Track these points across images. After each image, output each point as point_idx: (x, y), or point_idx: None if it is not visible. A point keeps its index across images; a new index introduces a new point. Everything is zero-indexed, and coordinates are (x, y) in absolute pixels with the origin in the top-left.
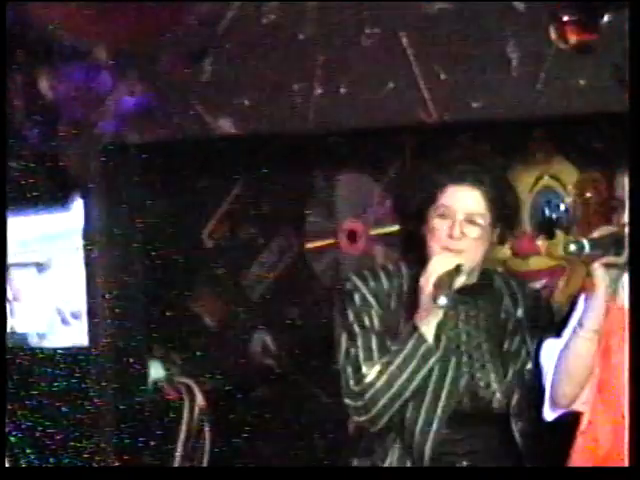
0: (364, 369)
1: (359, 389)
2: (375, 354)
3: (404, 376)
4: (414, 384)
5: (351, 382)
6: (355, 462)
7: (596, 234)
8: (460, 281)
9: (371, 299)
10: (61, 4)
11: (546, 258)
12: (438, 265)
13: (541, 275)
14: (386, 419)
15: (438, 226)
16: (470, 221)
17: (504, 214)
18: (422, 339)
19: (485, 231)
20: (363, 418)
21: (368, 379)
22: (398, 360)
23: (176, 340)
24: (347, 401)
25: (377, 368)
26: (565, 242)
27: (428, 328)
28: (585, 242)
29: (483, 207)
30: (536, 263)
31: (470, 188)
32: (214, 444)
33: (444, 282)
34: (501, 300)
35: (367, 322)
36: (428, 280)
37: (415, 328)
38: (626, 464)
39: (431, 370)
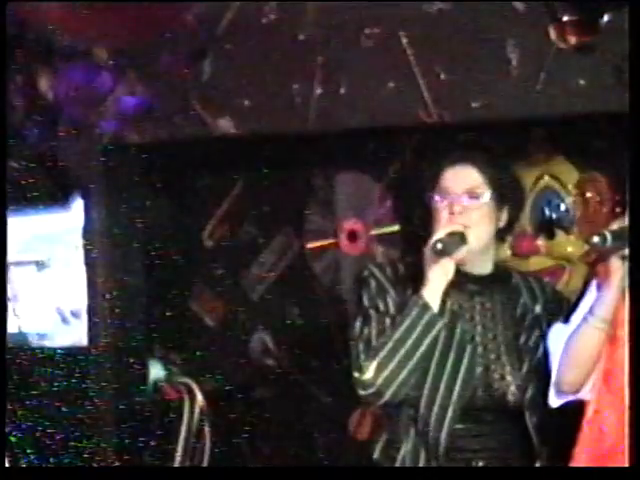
0: (374, 343)
1: (368, 363)
2: (387, 331)
3: (408, 344)
4: (419, 353)
5: (362, 356)
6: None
7: (616, 226)
8: (464, 251)
9: (387, 285)
10: (61, 4)
11: (546, 258)
12: (442, 230)
13: (541, 275)
14: (392, 392)
15: (440, 207)
16: (470, 195)
17: (507, 193)
18: (426, 307)
19: (488, 206)
20: (370, 391)
21: (375, 350)
22: (402, 328)
23: (176, 340)
24: (355, 375)
25: (383, 339)
26: (590, 235)
27: (432, 296)
28: (608, 234)
29: (481, 182)
30: (536, 263)
31: (466, 167)
32: (214, 444)
33: (446, 243)
34: (519, 296)
35: (382, 306)
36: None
37: (419, 297)
38: (626, 464)
39: (447, 355)
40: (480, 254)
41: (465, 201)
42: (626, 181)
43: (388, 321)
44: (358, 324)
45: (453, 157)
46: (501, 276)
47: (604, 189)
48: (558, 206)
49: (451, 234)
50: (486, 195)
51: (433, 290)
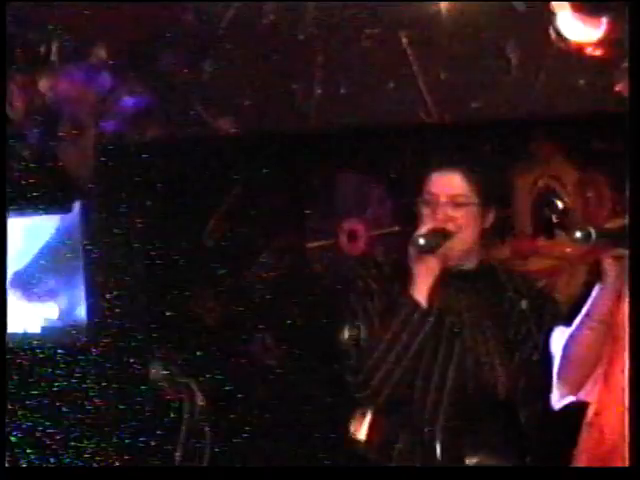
0: (365, 345)
1: (360, 365)
2: (378, 332)
3: (400, 343)
4: (411, 351)
5: (354, 359)
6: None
7: (608, 226)
8: (447, 247)
9: (374, 286)
10: (61, 4)
11: (546, 258)
12: (424, 226)
13: (541, 275)
14: (387, 392)
15: (425, 213)
16: (454, 203)
17: (493, 194)
18: (415, 305)
19: (472, 211)
20: (365, 393)
21: (367, 351)
22: (393, 327)
23: (176, 340)
24: (349, 378)
25: (374, 340)
26: (572, 230)
27: (420, 294)
28: (592, 231)
29: (466, 188)
30: (536, 263)
31: (451, 171)
32: (214, 444)
33: (428, 239)
34: (504, 291)
35: (370, 308)
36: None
37: (408, 296)
38: (626, 464)
39: (436, 351)
40: (465, 252)
41: (450, 209)
42: (626, 181)
43: (377, 322)
44: (347, 327)
45: (439, 161)
46: (486, 272)
47: (604, 189)
48: (558, 206)
49: (433, 231)
50: (471, 202)
51: (420, 288)
